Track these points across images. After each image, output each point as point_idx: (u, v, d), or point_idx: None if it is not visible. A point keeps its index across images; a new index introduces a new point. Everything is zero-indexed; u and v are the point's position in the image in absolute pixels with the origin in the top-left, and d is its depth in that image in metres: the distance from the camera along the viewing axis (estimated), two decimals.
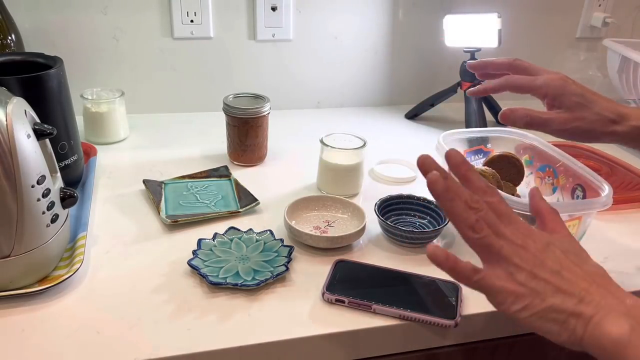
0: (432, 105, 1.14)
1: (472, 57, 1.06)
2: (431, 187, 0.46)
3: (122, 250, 0.67)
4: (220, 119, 0.90)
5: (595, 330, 0.41)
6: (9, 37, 0.88)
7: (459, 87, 1.09)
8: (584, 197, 0.71)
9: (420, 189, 0.82)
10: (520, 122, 0.59)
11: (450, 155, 0.49)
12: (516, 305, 0.43)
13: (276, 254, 0.66)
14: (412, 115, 1.16)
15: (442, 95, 1.12)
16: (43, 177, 0.56)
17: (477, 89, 0.65)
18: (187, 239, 0.69)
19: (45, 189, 0.56)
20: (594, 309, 0.42)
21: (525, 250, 0.45)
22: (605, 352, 0.40)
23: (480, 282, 0.45)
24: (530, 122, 0.59)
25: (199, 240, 0.67)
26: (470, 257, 0.69)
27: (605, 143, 0.60)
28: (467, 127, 1.06)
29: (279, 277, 0.62)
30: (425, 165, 0.48)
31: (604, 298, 0.42)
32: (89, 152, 0.87)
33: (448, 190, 0.46)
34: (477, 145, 0.82)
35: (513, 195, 0.69)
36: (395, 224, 0.71)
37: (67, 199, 0.61)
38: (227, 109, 0.87)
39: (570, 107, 0.58)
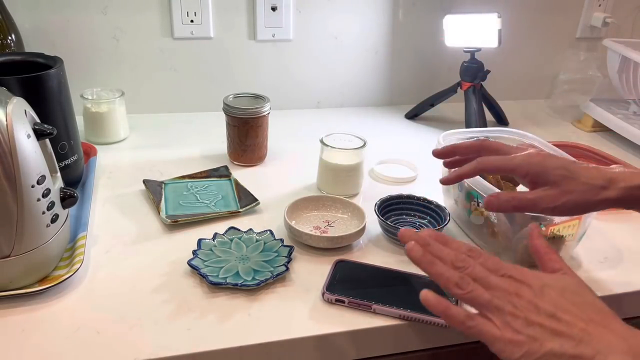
0: (432, 105, 1.14)
1: (472, 57, 1.06)
2: (410, 255, 0.48)
3: (122, 250, 0.67)
4: (220, 119, 0.90)
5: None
6: (9, 37, 0.88)
7: (459, 87, 1.09)
8: None
9: (420, 189, 0.82)
10: (507, 207, 0.56)
11: (421, 237, 0.50)
12: (516, 354, 0.43)
13: (276, 254, 0.66)
14: (412, 115, 1.16)
15: (442, 95, 1.12)
16: (43, 177, 0.56)
17: (450, 178, 0.62)
18: (187, 239, 0.69)
19: (45, 189, 0.56)
20: (593, 350, 0.41)
21: (518, 297, 0.45)
22: None
23: (474, 329, 0.45)
24: (517, 206, 0.56)
25: (199, 240, 0.67)
26: None
27: (600, 211, 0.56)
28: (467, 127, 1.06)
29: (279, 277, 0.62)
30: (405, 237, 0.50)
31: (604, 337, 0.42)
32: (89, 152, 0.87)
33: (425, 255, 0.48)
34: None
35: None
36: (395, 224, 0.71)
37: (67, 199, 0.61)
38: (227, 109, 0.87)
39: (556, 182, 0.54)
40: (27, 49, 0.93)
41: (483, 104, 1.09)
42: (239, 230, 0.70)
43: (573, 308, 0.44)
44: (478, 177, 0.67)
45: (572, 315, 0.43)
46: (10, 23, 0.89)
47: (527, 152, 0.59)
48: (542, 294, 0.45)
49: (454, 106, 1.15)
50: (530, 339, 0.43)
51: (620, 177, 0.53)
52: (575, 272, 0.49)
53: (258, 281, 0.61)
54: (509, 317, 0.44)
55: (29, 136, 0.55)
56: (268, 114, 0.89)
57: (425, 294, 0.47)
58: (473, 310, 0.46)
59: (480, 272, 0.47)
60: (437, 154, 0.66)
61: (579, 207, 0.54)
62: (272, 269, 0.63)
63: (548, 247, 0.52)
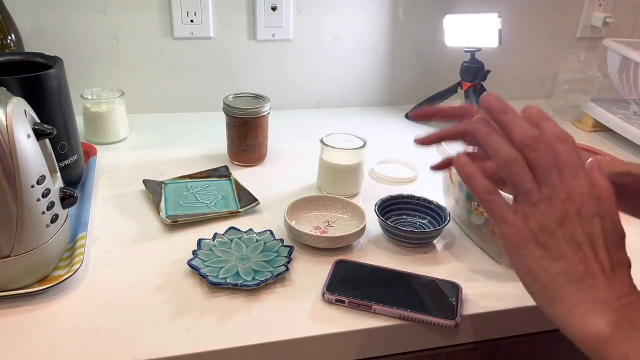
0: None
1: (473, 57, 1.06)
2: (473, 124, 0.45)
3: (122, 250, 0.67)
4: (220, 119, 0.90)
5: (577, 320, 0.39)
6: (9, 37, 0.88)
7: (460, 87, 1.09)
8: None
9: (420, 189, 0.82)
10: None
11: (499, 103, 0.44)
12: (516, 247, 0.41)
13: (276, 254, 0.66)
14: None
15: (442, 95, 1.12)
16: (43, 177, 0.56)
17: (430, 138, 0.55)
18: (187, 239, 0.69)
19: (45, 189, 0.56)
20: (584, 297, 0.39)
21: (563, 204, 0.40)
22: (583, 344, 0.39)
23: (489, 203, 0.42)
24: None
25: (199, 240, 0.67)
26: (472, 258, 0.69)
27: None
28: None
29: (279, 277, 0.62)
30: (483, 101, 0.45)
31: (604, 290, 0.39)
32: (89, 152, 0.87)
33: (489, 124, 0.44)
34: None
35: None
36: (395, 224, 0.71)
37: (67, 199, 0.61)
38: (227, 109, 0.87)
39: None
40: (27, 49, 0.93)
41: None
42: (239, 230, 0.70)
43: (602, 250, 0.40)
44: None
45: (595, 254, 0.40)
46: (10, 23, 0.89)
47: None
48: (588, 219, 0.40)
49: None
50: (537, 244, 0.41)
51: (602, 163, 0.51)
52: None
53: (258, 281, 0.61)
54: (533, 212, 0.41)
55: (28, 136, 0.55)
56: (268, 114, 0.89)
57: (460, 155, 0.45)
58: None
59: (546, 162, 0.41)
60: (413, 116, 0.59)
61: None
62: (272, 269, 0.63)
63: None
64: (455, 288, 0.62)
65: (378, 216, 0.71)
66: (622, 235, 0.42)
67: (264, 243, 0.68)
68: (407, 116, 1.17)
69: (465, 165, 0.45)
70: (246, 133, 0.88)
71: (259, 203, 0.77)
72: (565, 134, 0.42)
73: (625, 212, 0.53)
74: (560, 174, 0.41)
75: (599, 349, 0.38)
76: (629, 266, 0.42)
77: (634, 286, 0.41)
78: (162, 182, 0.81)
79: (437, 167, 0.56)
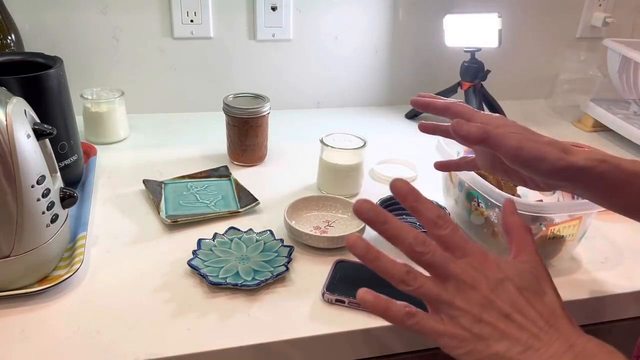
0: None
1: (473, 57, 1.06)
2: (351, 250, 0.44)
3: (122, 250, 0.67)
4: (220, 119, 0.90)
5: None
6: (9, 37, 0.88)
7: (460, 87, 1.09)
8: None
9: (420, 189, 0.82)
10: (476, 134, 0.50)
11: (396, 187, 0.45)
12: (460, 349, 0.42)
13: (276, 254, 0.66)
14: (412, 115, 1.16)
15: (442, 95, 1.12)
16: (43, 177, 0.56)
17: (428, 125, 0.65)
18: (187, 239, 0.69)
19: (45, 189, 0.56)
20: (538, 359, 0.40)
21: (474, 291, 0.42)
22: None
23: (416, 326, 0.43)
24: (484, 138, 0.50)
25: (199, 240, 0.67)
26: None
27: (555, 180, 0.51)
28: None
29: (279, 277, 0.62)
30: (360, 212, 0.45)
31: (552, 346, 0.40)
32: (89, 152, 0.87)
33: (369, 250, 0.44)
34: None
35: (513, 195, 0.69)
36: None
37: (67, 199, 0.61)
38: (227, 109, 0.87)
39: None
40: (27, 49, 0.93)
41: (483, 103, 1.08)
42: (239, 230, 0.70)
43: (528, 309, 0.42)
44: (478, 177, 0.67)
45: (525, 318, 0.41)
46: (10, 23, 0.89)
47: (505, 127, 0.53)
48: (500, 289, 0.42)
49: None
50: (477, 337, 0.41)
51: (580, 148, 0.51)
52: (541, 259, 0.47)
53: (258, 281, 0.61)
54: (458, 312, 0.42)
55: (28, 136, 0.55)
56: (268, 114, 0.89)
57: (363, 294, 0.45)
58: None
59: (439, 259, 0.43)
60: (414, 102, 0.64)
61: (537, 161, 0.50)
62: (272, 269, 0.63)
63: (523, 224, 0.49)
64: None
65: None
66: (534, 279, 0.44)
67: (264, 243, 0.68)
68: (407, 116, 1.17)
69: (375, 301, 0.45)
70: (246, 133, 0.88)
71: (259, 203, 0.77)
72: (442, 216, 0.44)
73: (610, 208, 0.53)
74: (455, 261, 0.43)
75: None
76: (561, 307, 0.43)
77: (575, 327, 0.42)
78: (162, 182, 0.81)
79: (423, 128, 0.64)
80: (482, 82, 1.08)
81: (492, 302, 0.42)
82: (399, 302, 0.44)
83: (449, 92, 1.11)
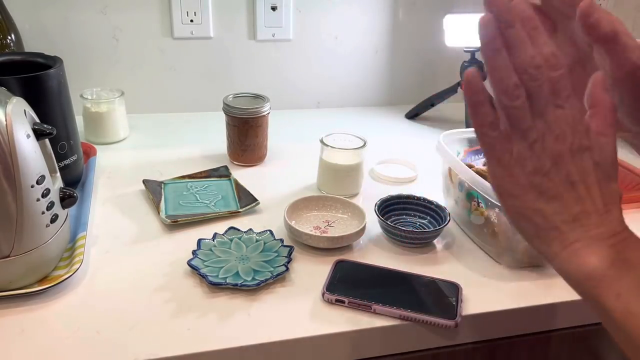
0: (433, 105, 1.14)
1: (472, 57, 1.06)
2: (481, 30, 0.39)
3: (122, 250, 0.67)
4: (220, 119, 0.90)
5: (572, 257, 0.39)
6: (9, 37, 0.88)
7: (459, 87, 1.09)
8: None
9: (420, 189, 0.82)
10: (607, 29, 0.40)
11: (513, 8, 0.39)
12: (507, 191, 0.40)
13: (276, 254, 0.66)
14: (413, 115, 1.16)
15: (442, 94, 1.12)
16: (43, 177, 0.56)
17: None
18: (187, 239, 0.69)
19: (45, 189, 0.56)
20: (580, 235, 0.39)
21: (556, 143, 0.39)
22: (577, 282, 0.39)
23: (489, 139, 0.40)
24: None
25: (199, 240, 0.67)
26: (472, 258, 0.69)
27: None
28: (467, 127, 1.05)
29: (279, 277, 0.62)
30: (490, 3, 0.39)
31: (601, 226, 0.39)
32: (89, 152, 0.87)
33: (497, 39, 0.39)
34: (477, 145, 0.82)
35: None
36: (395, 224, 0.71)
37: (67, 199, 0.61)
38: (227, 109, 0.87)
39: None
40: (27, 49, 0.93)
41: None
42: (238, 230, 0.70)
43: (595, 187, 0.39)
44: (478, 177, 0.67)
45: (588, 193, 0.39)
46: (10, 23, 0.89)
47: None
48: (579, 155, 0.39)
49: (454, 106, 1.15)
50: (531, 187, 0.40)
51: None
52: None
53: (258, 281, 0.60)
54: (530, 154, 0.39)
55: (28, 136, 0.55)
56: (268, 114, 0.89)
57: (472, 71, 0.40)
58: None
59: (545, 93, 0.39)
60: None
61: None
62: (272, 269, 0.63)
63: (610, 103, 0.40)
64: (455, 288, 0.62)
65: (378, 216, 0.71)
66: (612, 162, 0.40)
67: (264, 243, 0.68)
68: (407, 116, 1.17)
69: (475, 85, 0.41)
70: (246, 133, 0.87)
71: (259, 203, 0.77)
72: (557, 55, 0.39)
73: None
74: (553, 106, 0.39)
75: (592, 286, 0.38)
76: (620, 198, 0.41)
77: (624, 222, 0.40)
78: (162, 182, 0.81)
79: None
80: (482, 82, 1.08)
81: (566, 163, 0.39)
82: (490, 108, 0.41)
83: (448, 92, 1.11)
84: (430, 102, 1.14)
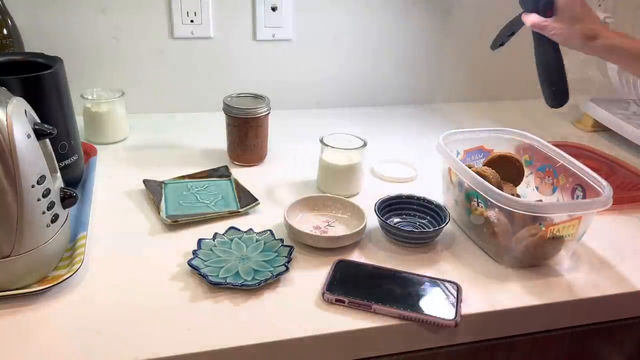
0: (513, 34, 0.97)
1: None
2: None
3: (123, 250, 0.67)
4: (220, 119, 0.90)
5: (609, 39, 0.76)
6: (9, 38, 0.88)
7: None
8: (584, 197, 0.71)
9: (420, 188, 0.82)
10: None
11: None
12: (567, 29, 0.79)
13: (276, 254, 0.66)
14: (498, 45, 0.99)
15: (517, 22, 0.95)
16: (43, 177, 0.56)
17: None
18: (187, 239, 0.69)
19: (45, 189, 0.56)
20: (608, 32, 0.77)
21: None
22: (611, 48, 0.76)
23: (548, 26, 0.82)
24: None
25: (199, 240, 0.67)
26: (472, 258, 0.69)
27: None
28: (543, 79, 0.92)
29: (279, 277, 0.62)
30: None
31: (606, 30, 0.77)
32: (89, 152, 0.87)
33: None
34: (477, 145, 0.82)
35: (513, 195, 0.69)
36: (395, 224, 0.71)
37: (67, 199, 0.61)
38: (227, 109, 0.87)
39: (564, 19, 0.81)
40: (27, 49, 0.93)
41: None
42: (239, 230, 0.71)
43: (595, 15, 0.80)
44: (478, 177, 0.67)
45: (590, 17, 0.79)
46: (10, 23, 0.89)
47: None
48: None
49: (454, 106, 1.15)
50: (579, 27, 0.78)
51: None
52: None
53: (258, 281, 0.61)
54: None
55: (29, 136, 0.55)
56: (268, 114, 0.89)
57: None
58: None
59: None
60: None
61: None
62: (272, 269, 0.63)
63: None
64: (455, 288, 0.62)
65: (378, 216, 0.71)
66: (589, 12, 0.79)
67: (264, 243, 0.68)
68: (492, 47, 0.99)
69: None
70: (246, 133, 0.88)
71: (259, 203, 0.77)
72: None
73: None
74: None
75: (616, 45, 0.76)
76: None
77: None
78: (162, 182, 0.81)
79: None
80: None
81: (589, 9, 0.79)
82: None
83: (518, 21, 0.94)
84: (510, 31, 0.97)
